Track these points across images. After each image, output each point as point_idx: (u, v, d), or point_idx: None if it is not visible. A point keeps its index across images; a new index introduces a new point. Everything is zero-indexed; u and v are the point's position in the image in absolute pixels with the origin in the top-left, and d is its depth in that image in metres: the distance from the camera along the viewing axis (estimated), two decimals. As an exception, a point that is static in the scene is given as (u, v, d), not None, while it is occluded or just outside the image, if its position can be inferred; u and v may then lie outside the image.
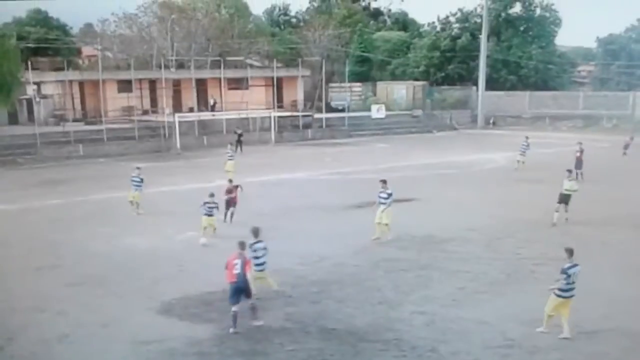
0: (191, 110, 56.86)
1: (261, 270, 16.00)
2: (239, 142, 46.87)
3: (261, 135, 52.94)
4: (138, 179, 26.11)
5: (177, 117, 50.14)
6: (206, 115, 54.58)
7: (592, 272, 16.37)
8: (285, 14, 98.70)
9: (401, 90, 69.64)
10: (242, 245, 14.76)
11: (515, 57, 71.42)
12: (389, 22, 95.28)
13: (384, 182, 22.41)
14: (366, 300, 16.49)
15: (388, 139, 55.74)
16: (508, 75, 71.61)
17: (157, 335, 14.47)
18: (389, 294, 16.90)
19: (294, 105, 63.14)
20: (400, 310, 15.88)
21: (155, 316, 15.62)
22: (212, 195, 21.85)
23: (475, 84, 68.05)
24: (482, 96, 66.45)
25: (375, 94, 71.42)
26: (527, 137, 38.43)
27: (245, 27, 74.19)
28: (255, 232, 16.01)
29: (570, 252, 14.07)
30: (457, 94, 70.72)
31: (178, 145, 49.05)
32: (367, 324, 15.03)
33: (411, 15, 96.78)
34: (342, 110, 62.69)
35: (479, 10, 74.17)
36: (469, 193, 30.31)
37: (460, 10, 77.47)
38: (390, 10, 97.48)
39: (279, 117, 55.97)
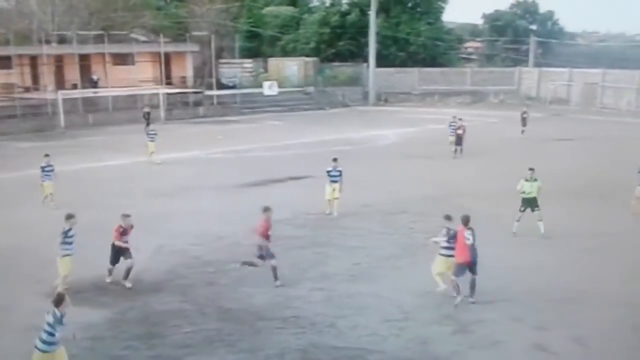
0: (75, 87, 54.69)
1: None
2: (147, 120, 45.22)
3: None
4: (49, 168, 24.00)
5: (61, 95, 48.23)
6: (91, 93, 52.68)
7: (484, 244, 16.78)
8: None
9: (292, 67, 69.38)
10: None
11: (404, 34, 72.35)
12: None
13: (335, 160, 22.65)
14: (263, 279, 16.34)
15: (281, 116, 55.55)
16: (398, 52, 72.46)
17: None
18: (286, 272, 16.78)
19: (183, 82, 61.75)
20: (298, 288, 15.90)
21: (46, 301, 14.90)
22: (70, 217, 15.62)
23: (366, 60, 68.52)
24: (372, 73, 67.08)
25: (266, 71, 70.92)
26: (454, 117, 36.39)
27: (129, 0, 71.98)
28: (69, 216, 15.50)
29: (448, 217, 15.26)
30: (349, 71, 71.01)
31: (62, 123, 47.22)
32: (265, 303, 14.97)
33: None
34: (233, 87, 61.99)
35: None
36: (363, 169, 30.51)
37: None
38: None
39: (168, 94, 54.68)
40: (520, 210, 19.95)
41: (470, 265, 14.82)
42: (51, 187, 24.01)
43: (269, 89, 61.75)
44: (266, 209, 16.08)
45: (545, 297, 15.12)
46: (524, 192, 19.95)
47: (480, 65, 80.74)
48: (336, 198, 22.44)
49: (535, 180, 19.81)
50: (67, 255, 15.27)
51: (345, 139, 40.99)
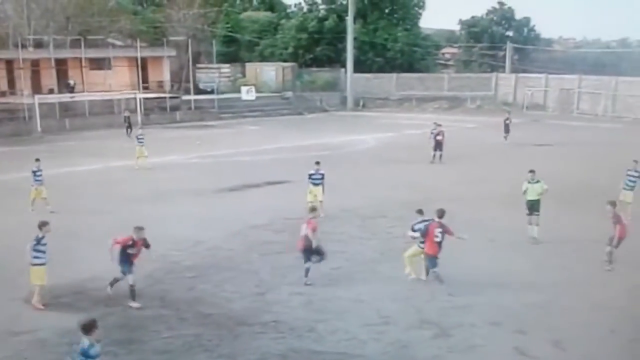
0: (51, 91, 54.35)
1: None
2: (129, 125, 44.94)
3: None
4: (40, 172, 23.73)
5: (37, 99, 47.94)
6: (67, 97, 52.40)
7: (463, 248, 16.89)
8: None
9: (270, 72, 69.43)
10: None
11: (381, 40, 72.58)
12: (255, 2, 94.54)
13: (318, 163, 23.00)
14: (243, 283, 16.34)
15: (259, 121, 55.54)
16: (375, 58, 72.70)
17: (27, 326, 13.82)
18: (265, 277, 16.82)
19: (160, 87, 61.59)
20: (278, 293, 15.85)
21: (24, 306, 14.87)
22: (44, 224, 15.21)
23: (344, 66, 68.72)
24: (350, 78, 67.25)
25: (244, 76, 70.85)
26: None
27: (105, 5, 71.60)
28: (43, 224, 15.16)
29: (420, 211, 16.65)
30: (326, 76, 71.11)
31: (39, 128, 46.92)
32: (244, 308, 14.92)
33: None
34: (211, 92, 61.84)
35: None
36: (342, 174, 30.54)
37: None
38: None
39: (145, 98, 54.49)
40: (527, 214, 19.83)
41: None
42: (44, 191, 23.73)
43: (247, 93, 61.74)
44: (313, 209, 17.21)
45: (523, 301, 15.19)
46: (525, 193, 19.84)
47: (457, 71, 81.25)
48: (320, 201, 22.52)
49: (538, 181, 19.71)
50: (42, 264, 14.91)
51: (324, 144, 41.03)
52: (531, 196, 19.67)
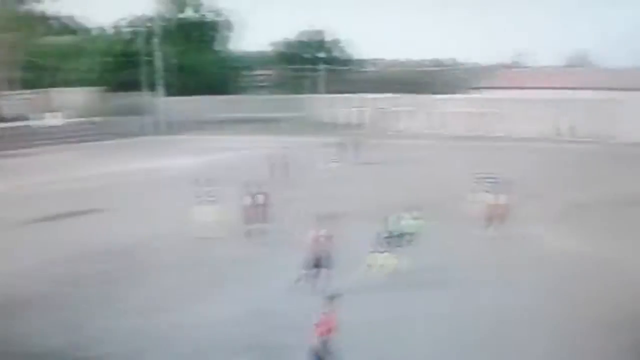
0: None
1: None
2: None
3: None
4: None
5: None
6: None
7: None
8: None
9: (76, 97, 66.53)
10: None
11: (190, 62, 71.98)
12: (56, 26, 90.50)
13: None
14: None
15: (66, 148, 52.55)
16: (186, 80, 71.76)
17: None
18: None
19: (-45, 116, 57.14)
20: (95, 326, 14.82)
21: None
22: None
23: (153, 89, 67.27)
24: (161, 102, 65.95)
25: (49, 102, 67.34)
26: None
27: None
28: None
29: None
30: (136, 100, 69.02)
31: None
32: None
33: (80, 19, 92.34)
34: (15, 119, 58.20)
35: (150, 14, 73.89)
36: (155, 200, 29.61)
37: (132, 14, 76.48)
38: (57, 13, 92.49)
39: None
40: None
41: None
42: None
43: (53, 119, 58.90)
44: None
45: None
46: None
47: (271, 92, 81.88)
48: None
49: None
50: None
51: (135, 170, 39.99)
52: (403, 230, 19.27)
